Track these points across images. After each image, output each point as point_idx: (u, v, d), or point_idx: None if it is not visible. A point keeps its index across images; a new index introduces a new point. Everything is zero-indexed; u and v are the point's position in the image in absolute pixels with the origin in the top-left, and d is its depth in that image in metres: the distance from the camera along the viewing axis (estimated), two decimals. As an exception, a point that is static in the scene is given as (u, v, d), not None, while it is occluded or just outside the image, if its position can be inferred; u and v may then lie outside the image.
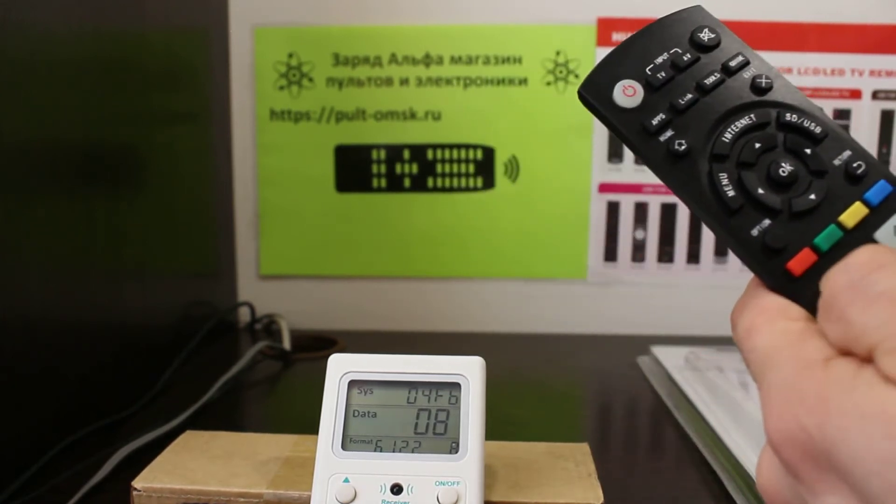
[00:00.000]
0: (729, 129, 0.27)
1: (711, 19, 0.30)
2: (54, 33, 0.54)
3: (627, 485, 0.51)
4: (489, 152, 0.91)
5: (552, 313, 0.93)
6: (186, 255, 0.81)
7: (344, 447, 0.38)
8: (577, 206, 0.91)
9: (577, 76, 0.89)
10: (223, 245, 0.91)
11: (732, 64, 0.28)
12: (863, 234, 0.25)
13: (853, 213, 0.26)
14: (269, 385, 0.73)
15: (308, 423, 0.42)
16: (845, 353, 0.22)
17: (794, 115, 0.27)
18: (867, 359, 0.21)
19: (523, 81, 0.89)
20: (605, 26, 0.88)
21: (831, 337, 0.23)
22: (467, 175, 0.91)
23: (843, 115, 0.89)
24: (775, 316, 0.25)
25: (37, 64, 0.51)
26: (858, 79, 0.88)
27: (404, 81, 0.90)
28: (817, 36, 0.87)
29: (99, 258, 0.61)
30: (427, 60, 0.90)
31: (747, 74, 0.28)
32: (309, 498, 0.38)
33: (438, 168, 0.91)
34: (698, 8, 0.30)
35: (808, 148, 0.27)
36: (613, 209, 0.91)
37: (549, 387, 0.73)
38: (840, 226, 0.26)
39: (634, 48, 0.29)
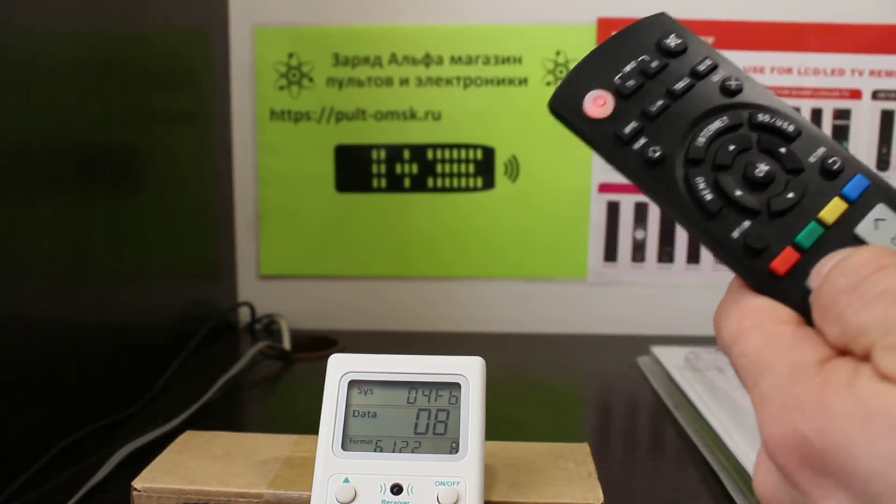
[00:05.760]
0: (702, 133, 0.27)
1: (676, 25, 0.30)
2: (54, 33, 0.54)
3: (627, 485, 0.51)
4: (489, 152, 0.91)
5: (552, 313, 0.93)
6: (186, 255, 0.81)
7: (344, 447, 0.38)
8: (577, 206, 0.91)
9: (577, 76, 0.89)
10: (223, 245, 0.91)
11: (701, 68, 0.28)
12: (844, 229, 0.25)
13: (833, 209, 0.26)
14: (269, 385, 0.73)
15: (308, 423, 0.42)
16: (843, 353, 0.22)
17: (766, 116, 0.27)
18: (865, 358, 0.21)
19: (523, 81, 0.89)
20: (605, 26, 0.88)
21: (830, 338, 0.22)
22: (467, 175, 0.91)
23: (843, 115, 0.88)
24: (764, 318, 0.24)
25: (37, 64, 0.51)
26: (858, 79, 0.88)
27: (404, 81, 0.90)
28: (817, 36, 0.87)
29: (99, 258, 0.61)
30: (427, 60, 0.90)
31: (716, 78, 0.28)
32: (309, 498, 0.38)
33: (438, 168, 0.91)
34: (662, 14, 0.30)
35: (782, 147, 0.27)
36: (613, 209, 0.91)
37: (549, 387, 0.73)
38: (820, 222, 0.25)
39: (601, 58, 0.29)
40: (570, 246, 0.92)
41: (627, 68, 0.29)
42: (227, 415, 0.65)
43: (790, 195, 0.26)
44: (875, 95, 0.88)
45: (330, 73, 0.90)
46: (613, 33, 0.30)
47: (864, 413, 0.20)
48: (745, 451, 0.50)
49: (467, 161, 0.91)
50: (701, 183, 0.26)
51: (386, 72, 0.90)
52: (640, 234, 0.91)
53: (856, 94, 0.88)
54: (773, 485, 0.23)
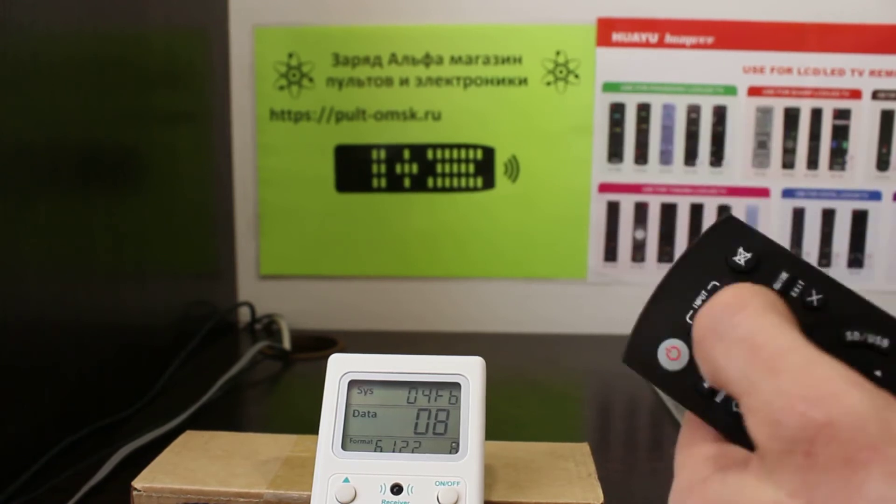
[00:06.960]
0: None
1: (744, 230, 0.26)
2: (54, 33, 0.54)
3: (627, 485, 0.51)
4: (489, 152, 0.91)
5: (552, 313, 0.93)
6: (186, 255, 0.81)
7: (344, 447, 0.38)
8: (577, 206, 0.91)
9: (577, 76, 0.89)
10: (223, 245, 0.91)
11: (777, 287, 0.25)
12: None
13: None
14: (269, 385, 0.73)
15: (308, 423, 0.42)
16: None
17: (855, 333, 0.24)
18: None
19: (523, 81, 0.89)
20: (605, 26, 0.88)
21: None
22: (467, 175, 0.91)
23: (843, 115, 0.88)
24: (695, 449, 0.26)
25: (37, 64, 0.51)
26: (858, 79, 0.88)
27: (404, 81, 0.90)
28: (817, 36, 0.87)
29: (99, 258, 0.61)
30: (427, 60, 0.89)
31: (795, 293, 0.25)
32: (309, 498, 0.38)
33: (438, 168, 0.91)
34: (727, 220, 0.27)
35: (877, 370, 0.23)
36: (613, 209, 0.91)
37: (549, 387, 0.73)
38: None
39: (670, 291, 0.27)
40: (570, 246, 0.92)
41: (698, 302, 0.26)
42: (227, 415, 0.64)
43: None
44: (875, 95, 0.88)
45: (330, 73, 0.90)
46: (683, 252, 0.27)
47: None
48: (745, 451, 0.50)
49: (467, 161, 0.91)
50: None
51: (386, 72, 0.90)
52: (640, 234, 0.91)
53: (856, 94, 0.88)
54: None
